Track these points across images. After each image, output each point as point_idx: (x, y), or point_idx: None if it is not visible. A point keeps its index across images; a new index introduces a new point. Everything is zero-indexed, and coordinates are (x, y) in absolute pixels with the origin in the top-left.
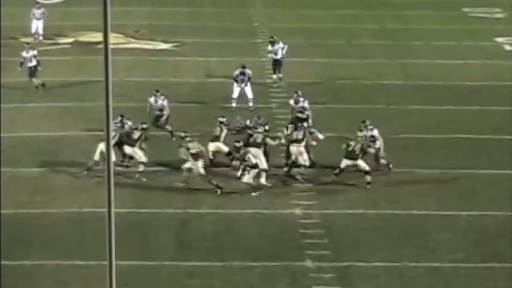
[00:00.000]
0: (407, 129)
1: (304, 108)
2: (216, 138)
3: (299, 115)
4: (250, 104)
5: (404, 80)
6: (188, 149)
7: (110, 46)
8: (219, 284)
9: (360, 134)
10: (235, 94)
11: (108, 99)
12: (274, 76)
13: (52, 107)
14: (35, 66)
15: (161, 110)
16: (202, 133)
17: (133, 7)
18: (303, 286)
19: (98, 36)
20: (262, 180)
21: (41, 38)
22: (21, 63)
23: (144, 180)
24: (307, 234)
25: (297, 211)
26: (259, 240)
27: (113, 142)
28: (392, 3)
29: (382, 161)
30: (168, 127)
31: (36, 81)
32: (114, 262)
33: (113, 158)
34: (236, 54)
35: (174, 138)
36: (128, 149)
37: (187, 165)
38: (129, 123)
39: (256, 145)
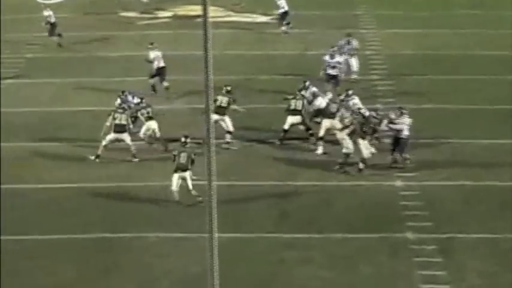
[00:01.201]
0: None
1: (338, 63)
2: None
3: (330, 71)
4: (354, 76)
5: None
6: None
7: (209, 19)
8: (318, 256)
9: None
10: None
11: (208, 73)
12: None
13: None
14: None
15: None
16: None
17: None
18: (403, 258)
19: (197, 10)
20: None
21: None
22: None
23: (235, 148)
24: (408, 206)
25: (398, 183)
26: (359, 212)
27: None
28: None
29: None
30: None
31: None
32: (215, 234)
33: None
34: (336, 27)
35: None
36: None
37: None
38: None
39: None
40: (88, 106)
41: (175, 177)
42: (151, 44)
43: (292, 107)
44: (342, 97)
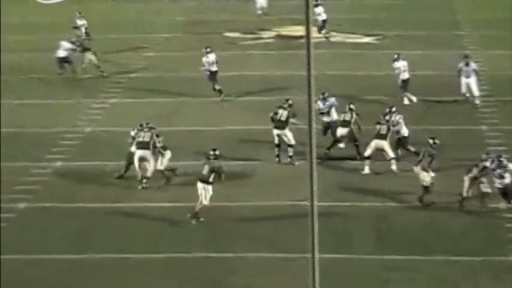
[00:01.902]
0: None
1: (406, 66)
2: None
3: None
4: (477, 101)
5: None
6: None
7: (312, 40)
8: (422, 278)
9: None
10: (464, 88)
11: (310, 93)
12: None
13: (253, 101)
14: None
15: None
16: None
17: (334, 0)
18: (508, 282)
19: (300, 30)
20: (393, 167)
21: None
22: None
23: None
24: None
25: (501, 205)
26: (462, 234)
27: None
28: None
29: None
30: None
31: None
32: (317, 255)
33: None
34: (439, 47)
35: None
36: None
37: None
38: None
39: (380, 137)
40: (190, 126)
41: (199, 187)
42: (206, 48)
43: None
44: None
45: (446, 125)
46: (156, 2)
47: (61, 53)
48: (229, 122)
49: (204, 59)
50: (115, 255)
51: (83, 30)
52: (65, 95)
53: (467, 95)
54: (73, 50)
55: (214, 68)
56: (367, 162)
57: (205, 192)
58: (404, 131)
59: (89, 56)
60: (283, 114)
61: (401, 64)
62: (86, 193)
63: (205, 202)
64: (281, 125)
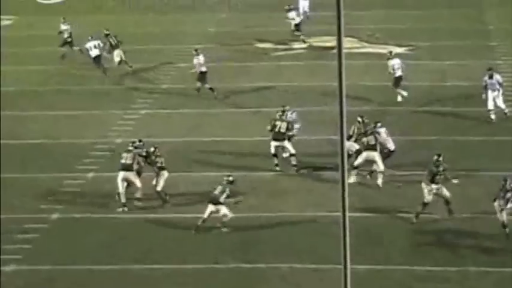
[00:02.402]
0: None
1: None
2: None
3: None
4: (506, 111)
5: None
6: None
7: (344, 50)
8: None
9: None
10: (490, 104)
11: (342, 104)
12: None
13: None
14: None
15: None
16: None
17: (366, 11)
18: None
19: (332, 41)
20: (379, 181)
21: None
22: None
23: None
24: None
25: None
26: (495, 244)
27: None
28: None
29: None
30: None
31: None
32: (349, 266)
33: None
34: (471, 57)
35: None
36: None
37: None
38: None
39: (370, 148)
40: (220, 137)
41: (209, 208)
42: (196, 50)
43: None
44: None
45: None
46: (189, 14)
47: (93, 53)
48: (259, 132)
49: (195, 61)
50: (146, 266)
51: (66, 35)
52: (95, 106)
53: (491, 108)
54: (102, 48)
55: (204, 69)
56: (355, 171)
57: (215, 212)
58: (391, 145)
59: (118, 52)
60: (282, 125)
61: (395, 62)
62: (118, 204)
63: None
64: (280, 136)
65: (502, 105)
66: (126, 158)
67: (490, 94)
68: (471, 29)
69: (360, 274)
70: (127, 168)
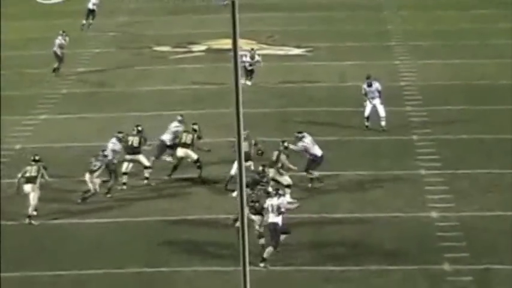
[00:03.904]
0: None
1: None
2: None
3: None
4: (383, 123)
5: None
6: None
7: (243, 52)
8: None
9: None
10: (367, 112)
11: (239, 106)
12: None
13: (186, 114)
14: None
15: None
16: (337, 136)
17: (266, 13)
18: None
19: (230, 43)
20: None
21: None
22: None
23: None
24: (445, 237)
25: (434, 214)
26: (396, 244)
27: None
28: None
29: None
30: None
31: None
32: (248, 267)
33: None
34: (369, 58)
35: None
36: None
37: None
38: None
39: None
40: None
41: None
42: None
43: None
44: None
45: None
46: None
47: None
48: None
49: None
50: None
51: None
52: None
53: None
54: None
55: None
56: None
57: None
58: (318, 152)
59: None
60: (187, 137)
61: None
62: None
63: None
64: (185, 147)
65: (382, 114)
66: (30, 171)
67: (369, 102)
68: (370, 30)
69: (261, 275)
70: (30, 180)
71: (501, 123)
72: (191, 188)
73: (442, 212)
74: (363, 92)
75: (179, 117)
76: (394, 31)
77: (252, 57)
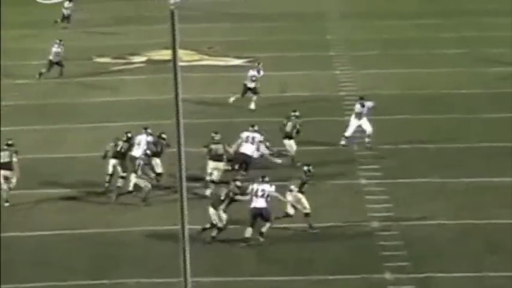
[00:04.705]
0: (489, 138)
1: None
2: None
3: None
4: (368, 139)
5: (483, 88)
6: None
7: (184, 63)
8: None
9: None
10: (350, 131)
11: (179, 117)
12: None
13: (126, 127)
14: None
15: None
16: (278, 147)
17: (207, 24)
18: None
19: (170, 54)
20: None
21: None
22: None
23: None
24: (386, 246)
25: (374, 223)
26: (338, 254)
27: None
28: (470, 11)
29: None
30: None
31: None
32: (189, 279)
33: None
34: (310, 68)
35: None
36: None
37: None
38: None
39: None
40: (69, 153)
41: None
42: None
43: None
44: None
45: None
46: (31, 29)
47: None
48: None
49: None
50: None
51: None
52: None
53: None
54: None
55: None
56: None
57: None
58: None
59: None
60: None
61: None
62: None
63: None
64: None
65: (369, 130)
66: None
67: (354, 121)
68: (311, 40)
69: (207, 286)
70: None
71: (444, 132)
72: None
73: (383, 221)
74: (357, 111)
75: (146, 129)
76: (335, 41)
77: (258, 72)
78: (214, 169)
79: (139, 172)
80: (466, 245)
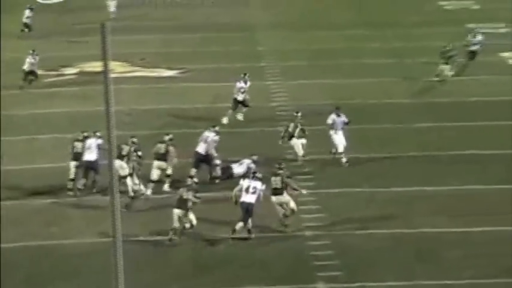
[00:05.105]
0: (417, 147)
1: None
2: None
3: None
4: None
5: (411, 98)
6: None
7: (116, 75)
8: None
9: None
10: (340, 147)
11: (110, 129)
12: None
13: (59, 138)
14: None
15: None
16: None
17: (140, 35)
18: None
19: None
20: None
21: None
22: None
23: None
24: (318, 256)
25: (307, 233)
26: (271, 264)
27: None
28: (397, 22)
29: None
30: None
31: None
32: None
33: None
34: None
35: None
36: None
37: None
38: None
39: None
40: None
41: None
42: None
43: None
44: None
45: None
46: None
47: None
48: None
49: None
50: None
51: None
52: None
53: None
54: None
55: None
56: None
57: None
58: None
59: None
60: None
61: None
62: None
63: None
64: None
65: (341, 149)
66: None
67: (334, 132)
68: (242, 51)
69: None
70: None
71: (373, 141)
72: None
73: (315, 230)
74: (331, 122)
75: (95, 133)
76: (266, 52)
77: (246, 82)
78: (158, 168)
79: (135, 176)
80: (397, 253)
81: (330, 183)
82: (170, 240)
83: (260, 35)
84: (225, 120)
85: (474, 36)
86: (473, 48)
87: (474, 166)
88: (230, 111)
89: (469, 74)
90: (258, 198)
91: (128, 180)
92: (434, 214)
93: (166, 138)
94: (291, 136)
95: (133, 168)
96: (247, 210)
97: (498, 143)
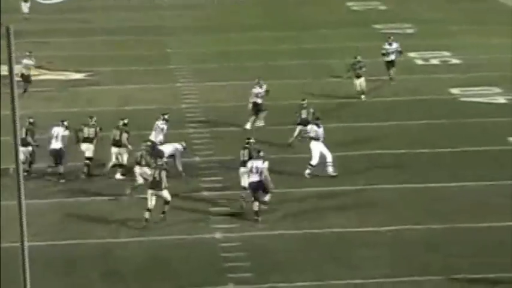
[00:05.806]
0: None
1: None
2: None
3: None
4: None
5: (324, 98)
6: None
7: (16, 79)
8: None
9: None
10: (329, 157)
11: (16, 132)
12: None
13: None
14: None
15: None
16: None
17: (47, 38)
18: None
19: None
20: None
21: None
22: None
23: None
24: (229, 258)
25: (217, 235)
26: (182, 266)
27: None
28: (308, 23)
29: None
30: None
31: None
32: None
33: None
34: (151, 81)
35: None
36: None
37: None
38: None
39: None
40: None
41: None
42: None
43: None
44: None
45: None
46: None
47: None
48: None
49: None
50: None
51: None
52: None
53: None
54: None
55: None
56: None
57: None
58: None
59: None
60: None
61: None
62: None
63: None
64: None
65: (315, 162)
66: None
67: (315, 145)
68: (152, 54)
69: None
70: None
71: (283, 143)
72: None
73: (225, 232)
74: (313, 134)
75: (63, 122)
76: (175, 54)
77: (261, 87)
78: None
79: (144, 163)
80: (307, 253)
81: (239, 184)
82: (146, 220)
83: (169, 37)
84: (248, 126)
85: (390, 44)
86: (392, 57)
87: (382, 166)
88: (253, 118)
89: (382, 74)
90: (262, 176)
91: (137, 169)
92: (340, 213)
93: (121, 123)
94: (307, 122)
95: (141, 156)
96: (256, 188)
97: (409, 142)
